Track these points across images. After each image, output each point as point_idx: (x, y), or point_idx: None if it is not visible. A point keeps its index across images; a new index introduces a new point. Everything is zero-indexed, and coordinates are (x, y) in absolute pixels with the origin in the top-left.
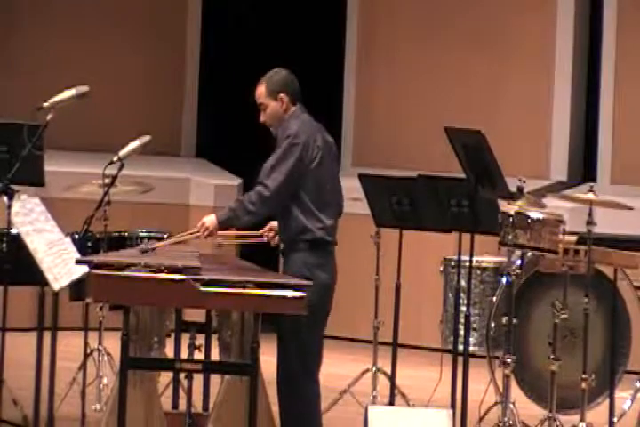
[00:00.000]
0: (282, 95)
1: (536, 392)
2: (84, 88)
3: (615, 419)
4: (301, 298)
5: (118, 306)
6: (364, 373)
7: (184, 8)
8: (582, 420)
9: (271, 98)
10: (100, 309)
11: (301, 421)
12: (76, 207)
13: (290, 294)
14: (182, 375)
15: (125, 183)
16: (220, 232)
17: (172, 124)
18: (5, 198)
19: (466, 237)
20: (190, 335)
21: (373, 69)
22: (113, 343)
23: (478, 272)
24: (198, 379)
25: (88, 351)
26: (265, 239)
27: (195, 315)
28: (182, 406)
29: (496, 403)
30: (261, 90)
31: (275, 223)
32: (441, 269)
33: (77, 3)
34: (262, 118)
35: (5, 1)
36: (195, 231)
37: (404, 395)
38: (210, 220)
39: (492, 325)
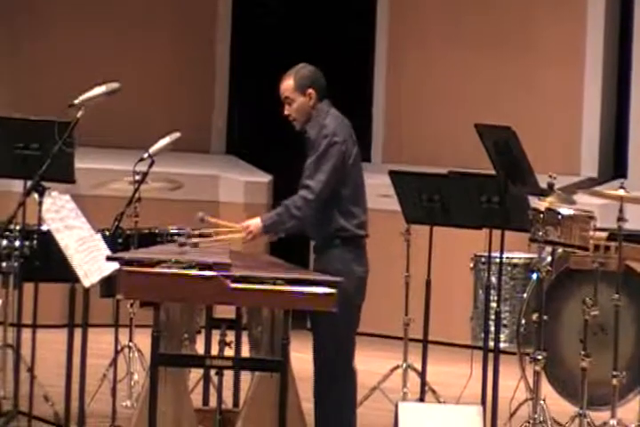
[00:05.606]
0: (310, 91)
1: (567, 389)
2: (115, 85)
3: None
4: (332, 295)
5: (149, 303)
6: (394, 369)
7: (214, 2)
8: (613, 416)
9: (299, 92)
10: (131, 305)
11: (337, 415)
12: (107, 204)
13: (320, 290)
14: (213, 372)
15: (156, 180)
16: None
17: (201, 121)
18: (36, 195)
19: (496, 233)
20: (220, 332)
21: (403, 66)
22: (143, 340)
23: (509, 269)
24: (229, 375)
25: (119, 348)
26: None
27: (225, 311)
28: (213, 402)
29: (526, 400)
30: (289, 84)
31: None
32: (471, 265)
33: None
34: (287, 112)
35: None
36: (237, 230)
37: (434, 391)
38: (255, 223)
39: (523, 321)
